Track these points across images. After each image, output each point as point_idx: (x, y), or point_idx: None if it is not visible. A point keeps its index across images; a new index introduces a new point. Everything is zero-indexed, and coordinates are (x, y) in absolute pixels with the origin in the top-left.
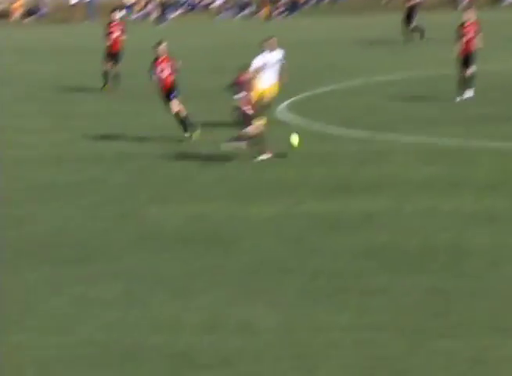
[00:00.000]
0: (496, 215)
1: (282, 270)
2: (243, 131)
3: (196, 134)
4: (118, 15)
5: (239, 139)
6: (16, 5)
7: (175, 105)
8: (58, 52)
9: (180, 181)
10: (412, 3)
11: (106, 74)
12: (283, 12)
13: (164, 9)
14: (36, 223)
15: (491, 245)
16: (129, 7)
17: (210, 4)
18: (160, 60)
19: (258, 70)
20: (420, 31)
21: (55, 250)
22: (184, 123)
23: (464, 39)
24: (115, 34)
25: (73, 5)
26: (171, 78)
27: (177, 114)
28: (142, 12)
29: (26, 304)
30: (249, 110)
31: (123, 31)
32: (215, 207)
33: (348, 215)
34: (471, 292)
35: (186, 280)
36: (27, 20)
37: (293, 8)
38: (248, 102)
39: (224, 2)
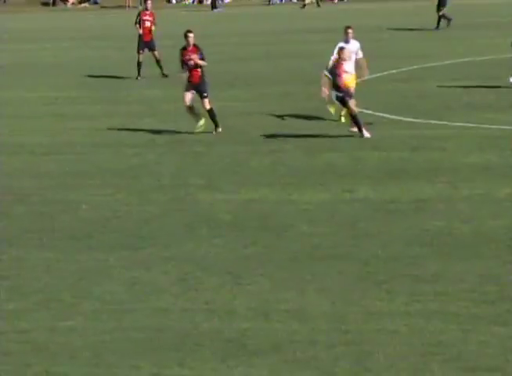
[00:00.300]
0: None
1: (334, 256)
2: (349, 111)
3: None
4: (151, 3)
5: (354, 121)
6: None
7: (207, 103)
8: (112, 37)
9: (232, 167)
10: None
11: (140, 64)
12: None
13: None
14: (89, 208)
15: None
16: None
17: None
18: (187, 50)
19: (344, 56)
20: (447, 19)
21: (109, 235)
22: (215, 119)
23: None
24: (147, 23)
25: None
26: (199, 70)
27: (210, 110)
28: None
29: (79, 289)
30: (342, 91)
31: (153, 21)
32: (267, 193)
33: (401, 201)
34: None
35: (238, 266)
36: (82, 6)
37: None
38: (340, 84)
39: None
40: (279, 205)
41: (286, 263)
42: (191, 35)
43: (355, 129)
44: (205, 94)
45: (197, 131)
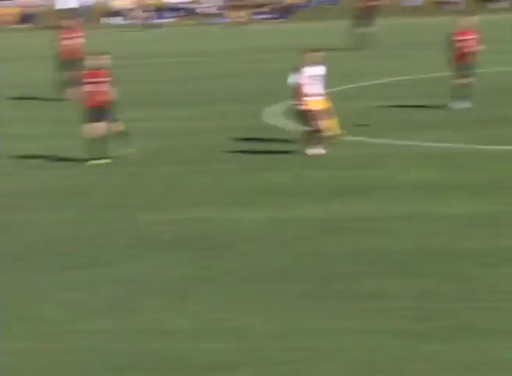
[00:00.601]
0: (486, 219)
1: (276, 275)
2: (313, 133)
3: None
4: (72, 21)
5: (315, 142)
6: (7, 11)
7: (117, 125)
8: (49, 58)
9: (172, 186)
10: (370, 4)
11: (63, 83)
12: (274, 17)
13: (159, 14)
14: (27, 229)
15: (481, 248)
16: (122, 12)
17: (204, 9)
18: (92, 73)
19: (305, 80)
20: (360, 39)
21: (46, 256)
22: (126, 139)
23: (460, 46)
24: (69, 41)
25: (64, 12)
26: (102, 91)
27: (121, 132)
28: (136, 18)
29: (13, 311)
30: (307, 112)
31: (78, 38)
32: (208, 212)
33: (342, 219)
34: (462, 295)
35: (180, 286)
36: (18, 27)
37: (282, 13)
38: (304, 105)
39: (218, 8)
40: (220, 224)
41: (226, 282)
42: (102, 58)
43: (314, 151)
44: (113, 116)
45: (92, 164)
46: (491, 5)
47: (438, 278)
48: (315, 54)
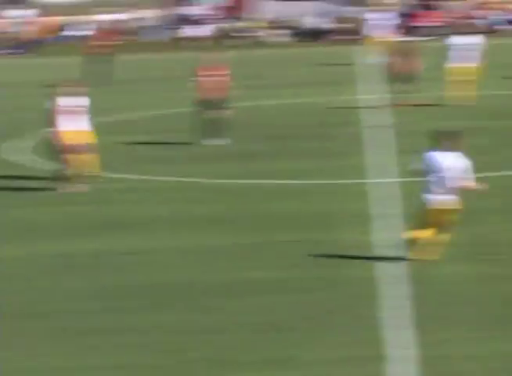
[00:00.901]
0: (229, 251)
1: (11, 314)
2: (66, 168)
3: None
4: None
5: (68, 178)
6: None
7: None
8: None
9: None
10: (106, 41)
11: None
12: (12, 52)
13: None
14: None
15: (224, 280)
16: None
17: None
18: None
19: (59, 112)
20: (99, 75)
21: None
22: None
23: (206, 81)
24: None
25: None
26: None
27: None
28: None
29: None
30: (59, 145)
31: None
32: None
33: (83, 254)
34: (205, 327)
35: None
36: None
37: (20, 48)
38: (57, 137)
39: None
40: None
41: None
42: None
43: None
44: None
45: None
46: (227, 42)
47: (180, 311)
48: (70, 87)
